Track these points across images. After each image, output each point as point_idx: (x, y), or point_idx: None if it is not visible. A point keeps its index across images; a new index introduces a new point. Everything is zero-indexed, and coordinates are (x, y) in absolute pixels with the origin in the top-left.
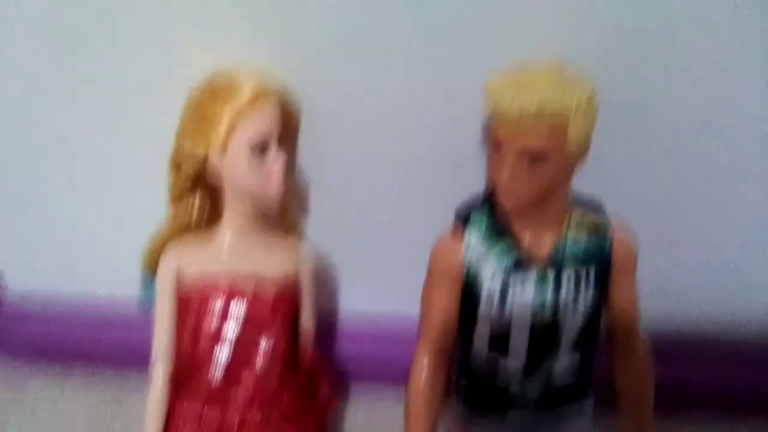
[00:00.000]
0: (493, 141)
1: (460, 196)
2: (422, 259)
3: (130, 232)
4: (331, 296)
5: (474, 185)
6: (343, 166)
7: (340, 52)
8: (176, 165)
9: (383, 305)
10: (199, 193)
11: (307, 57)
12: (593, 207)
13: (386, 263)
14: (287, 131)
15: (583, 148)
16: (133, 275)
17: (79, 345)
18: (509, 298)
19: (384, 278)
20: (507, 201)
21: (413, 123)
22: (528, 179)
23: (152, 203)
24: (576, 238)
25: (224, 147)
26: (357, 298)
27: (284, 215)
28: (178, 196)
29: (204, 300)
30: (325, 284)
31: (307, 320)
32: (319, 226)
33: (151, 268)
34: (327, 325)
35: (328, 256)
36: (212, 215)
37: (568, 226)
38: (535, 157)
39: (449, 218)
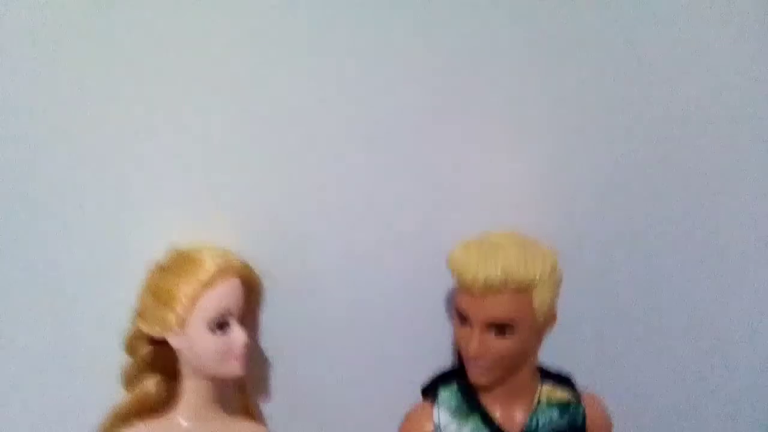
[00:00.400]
0: (459, 314)
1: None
2: None
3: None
4: None
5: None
6: (306, 344)
7: (305, 230)
8: (131, 347)
9: None
10: (155, 377)
11: (270, 236)
12: (561, 380)
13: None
14: (249, 308)
15: (550, 316)
16: None
17: None
18: None
19: None
20: (476, 374)
21: (381, 300)
22: (496, 351)
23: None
24: (546, 415)
25: (183, 324)
26: None
27: (243, 398)
28: (132, 380)
29: None
30: None
31: None
32: (281, 410)
33: None
34: None
35: None
36: (169, 399)
37: (539, 401)
38: (501, 328)
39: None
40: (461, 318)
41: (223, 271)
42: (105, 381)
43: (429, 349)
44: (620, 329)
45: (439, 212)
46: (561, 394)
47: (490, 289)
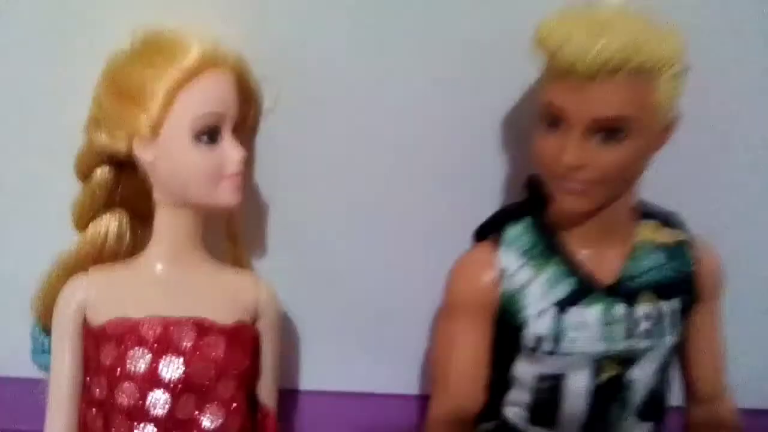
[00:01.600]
0: (548, 113)
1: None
2: (421, 319)
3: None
4: (294, 367)
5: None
6: (314, 181)
7: (318, 21)
8: (84, 170)
9: (367, 381)
10: (117, 213)
11: (273, 26)
12: (665, 218)
13: (371, 323)
14: (244, 120)
15: (672, 119)
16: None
17: None
18: (564, 343)
19: (368, 345)
20: (570, 197)
21: (414, 121)
22: (603, 163)
23: (50, 230)
24: (650, 260)
25: (158, 129)
26: (331, 371)
27: (236, 250)
28: (87, 216)
29: (119, 357)
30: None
31: (268, 389)
32: (277, 267)
33: (46, 316)
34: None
35: (290, 310)
36: (136, 246)
37: (638, 244)
38: (611, 131)
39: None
40: (551, 120)
41: (212, 60)
42: (53, 220)
43: (473, 198)
44: None
45: None
46: (666, 235)
47: (601, 71)
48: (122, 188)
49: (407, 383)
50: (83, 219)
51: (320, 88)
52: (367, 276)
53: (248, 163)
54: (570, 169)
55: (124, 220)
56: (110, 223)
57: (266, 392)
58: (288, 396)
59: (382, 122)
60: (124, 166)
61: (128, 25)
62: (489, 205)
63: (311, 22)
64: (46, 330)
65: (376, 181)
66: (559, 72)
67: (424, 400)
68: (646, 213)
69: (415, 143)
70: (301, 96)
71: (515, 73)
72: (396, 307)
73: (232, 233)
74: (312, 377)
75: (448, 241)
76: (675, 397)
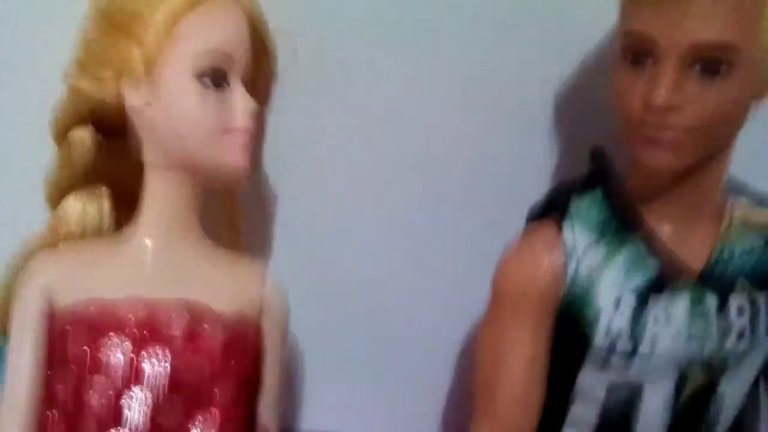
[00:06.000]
0: (634, 43)
1: None
2: (443, 348)
3: None
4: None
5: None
6: (324, 172)
7: None
8: (61, 130)
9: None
10: (97, 189)
11: None
12: (762, 198)
13: (384, 352)
14: (255, 78)
15: None
16: None
17: None
18: (646, 341)
19: (379, 378)
20: (659, 150)
21: (438, 124)
22: (704, 103)
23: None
24: (745, 243)
25: (151, 69)
26: (336, 409)
27: (234, 237)
28: (61, 190)
29: (90, 345)
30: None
31: (269, 405)
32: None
33: (6, 317)
34: None
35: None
36: (121, 222)
37: (730, 224)
38: (712, 63)
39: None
40: (637, 52)
41: None
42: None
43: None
44: None
45: None
46: (763, 215)
47: None
48: (106, 159)
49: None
50: (57, 193)
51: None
52: (380, 296)
53: (259, 135)
54: (662, 111)
55: (105, 199)
56: (87, 201)
57: (267, 409)
58: None
59: (402, 118)
60: (109, 132)
61: None
62: (521, 213)
63: None
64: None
65: (394, 184)
66: None
67: None
68: (738, 189)
69: (439, 146)
70: (317, 77)
71: (536, 70)
72: (412, 335)
73: (231, 217)
74: (314, 417)
75: (477, 254)
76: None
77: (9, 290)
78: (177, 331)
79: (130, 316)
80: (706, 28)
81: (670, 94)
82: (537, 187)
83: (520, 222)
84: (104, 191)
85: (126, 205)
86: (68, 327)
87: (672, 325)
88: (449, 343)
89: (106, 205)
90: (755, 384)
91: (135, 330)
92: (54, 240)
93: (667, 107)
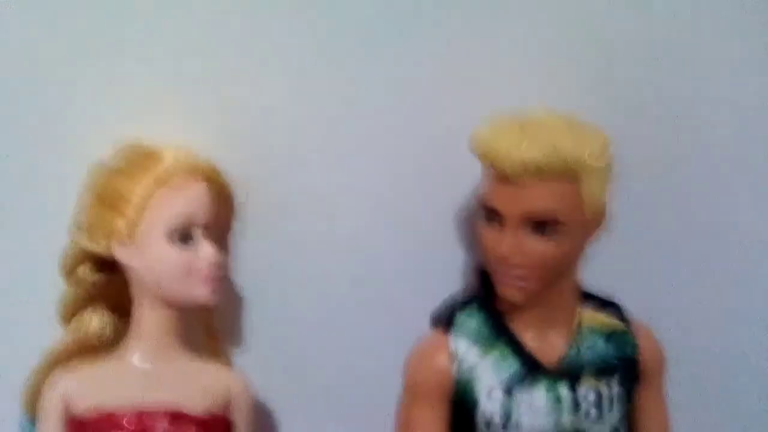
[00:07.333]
0: (487, 210)
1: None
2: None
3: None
4: None
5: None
6: (292, 278)
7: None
8: (69, 269)
9: None
10: (99, 307)
11: (248, 141)
12: (605, 304)
13: (341, 407)
14: (217, 224)
15: (600, 213)
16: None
17: None
18: (513, 420)
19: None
20: (509, 287)
21: (383, 225)
22: (536, 255)
23: (37, 325)
24: (591, 343)
25: (134, 231)
26: None
27: (213, 344)
28: (71, 311)
29: None
30: None
31: None
32: (259, 361)
33: (33, 408)
34: None
35: (265, 401)
36: (118, 339)
37: (579, 328)
38: (543, 225)
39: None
40: (490, 215)
41: (185, 169)
42: (40, 317)
43: (436, 282)
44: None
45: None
46: (606, 319)
47: (529, 172)
48: (104, 284)
49: None
50: (67, 313)
51: (292, 196)
52: (347, 371)
53: (225, 265)
54: (506, 259)
55: (106, 314)
56: (92, 318)
57: None
58: None
59: (353, 221)
60: (105, 265)
61: (110, 138)
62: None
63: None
64: (34, 421)
65: (352, 274)
66: (492, 175)
67: None
68: (586, 296)
69: (385, 240)
70: (274, 201)
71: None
72: (382, 402)
73: (209, 327)
74: None
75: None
76: None
77: (32, 390)
78: (160, 430)
79: (124, 421)
80: (534, 202)
81: (510, 248)
82: None
83: None
84: (104, 308)
85: (122, 316)
86: (80, 429)
87: (533, 407)
88: None
89: (106, 319)
90: None
91: (130, 428)
92: (67, 350)
93: (509, 256)
